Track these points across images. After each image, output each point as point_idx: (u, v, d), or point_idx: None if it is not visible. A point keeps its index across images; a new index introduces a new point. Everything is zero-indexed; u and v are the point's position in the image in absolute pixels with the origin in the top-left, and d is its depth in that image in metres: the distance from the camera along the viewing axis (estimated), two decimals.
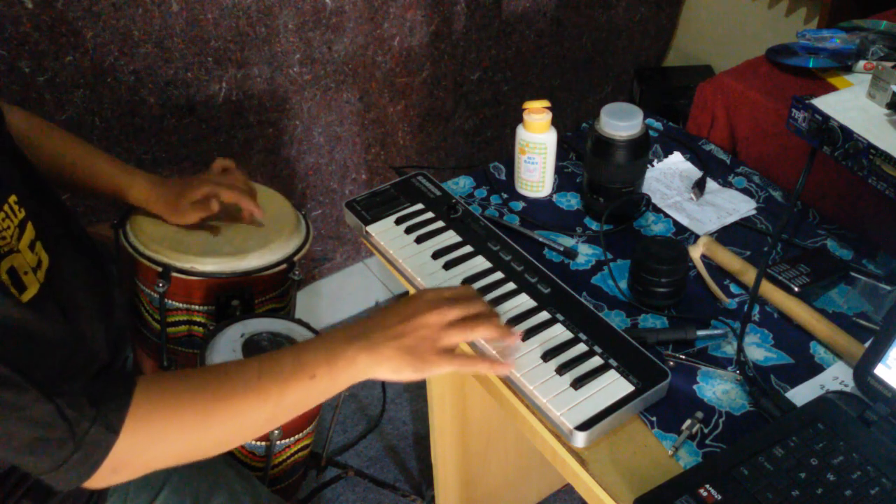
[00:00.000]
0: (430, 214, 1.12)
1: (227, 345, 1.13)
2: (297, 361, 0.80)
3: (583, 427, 0.82)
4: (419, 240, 1.08)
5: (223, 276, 1.19)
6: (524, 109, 1.14)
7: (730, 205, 1.16)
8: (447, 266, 1.03)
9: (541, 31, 2.30)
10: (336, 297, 2.24)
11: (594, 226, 1.14)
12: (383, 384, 1.94)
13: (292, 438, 1.18)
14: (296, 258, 1.25)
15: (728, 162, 1.26)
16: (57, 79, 1.57)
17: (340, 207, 2.14)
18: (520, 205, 1.19)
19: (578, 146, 1.28)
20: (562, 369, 0.87)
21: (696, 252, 1.06)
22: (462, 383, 1.35)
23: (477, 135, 2.37)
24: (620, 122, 1.07)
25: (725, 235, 1.11)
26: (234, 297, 1.21)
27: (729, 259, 1.04)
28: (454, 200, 1.14)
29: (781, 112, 1.14)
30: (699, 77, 2.05)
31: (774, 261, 1.05)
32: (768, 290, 0.99)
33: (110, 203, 1.21)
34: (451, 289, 0.89)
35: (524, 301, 0.97)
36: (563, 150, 1.28)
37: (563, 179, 1.24)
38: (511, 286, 0.99)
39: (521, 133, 1.16)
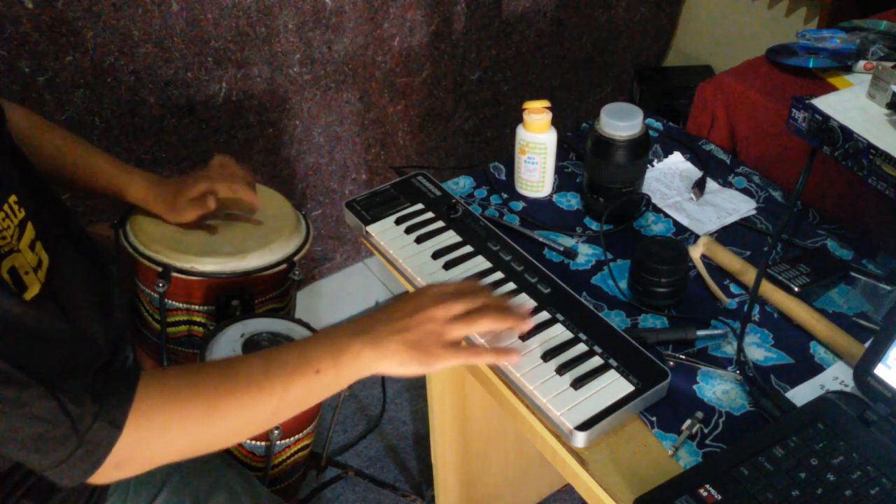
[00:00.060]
0: (430, 214, 1.12)
1: (227, 345, 1.13)
2: (301, 356, 0.80)
3: (583, 427, 0.82)
4: (419, 240, 1.08)
5: (223, 276, 1.19)
6: (524, 109, 1.14)
7: (730, 205, 1.16)
8: (447, 266, 1.03)
9: (541, 31, 2.30)
10: (336, 297, 2.24)
11: (594, 226, 1.14)
12: (383, 384, 1.94)
13: (292, 438, 1.18)
14: (296, 258, 1.25)
15: (728, 162, 1.26)
16: (57, 79, 1.57)
17: (340, 207, 2.14)
18: (520, 205, 1.19)
19: (578, 146, 1.28)
20: (562, 369, 0.87)
21: (696, 252, 1.06)
22: (462, 383, 1.35)
23: (477, 135, 2.37)
24: (620, 122, 1.07)
25: (725, 235, 1.11)
26: (234, 297, 1.21)
27: (729, 259, 1.04)
28: (454, 200, 1.14)
29: (781, 112, 1.14)
30: (699, 77, 2.05)
31: (774, 261, 1.05)
32: (768, 290, 0.99)
33: (110, 202, 1.21)
34: (456, 283, 0.89)
35: (524, 301, 0.97)
36: (563, 150, 1.28)
37: (563, 179, 1.24)
38: (511, 286, 0.99)
39: (521, 133, 1.16)
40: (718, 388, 0.90)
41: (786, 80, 1.39)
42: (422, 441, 1.89)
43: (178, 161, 1.81)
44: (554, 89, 2.47)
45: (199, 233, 1.22)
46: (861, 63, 1.34)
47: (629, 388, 0.85)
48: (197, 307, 1.22)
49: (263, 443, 1.14)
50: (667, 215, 1.16)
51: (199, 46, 1.70)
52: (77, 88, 1.60)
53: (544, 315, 0.95)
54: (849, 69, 1.35)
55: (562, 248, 1.09)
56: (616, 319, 0.99)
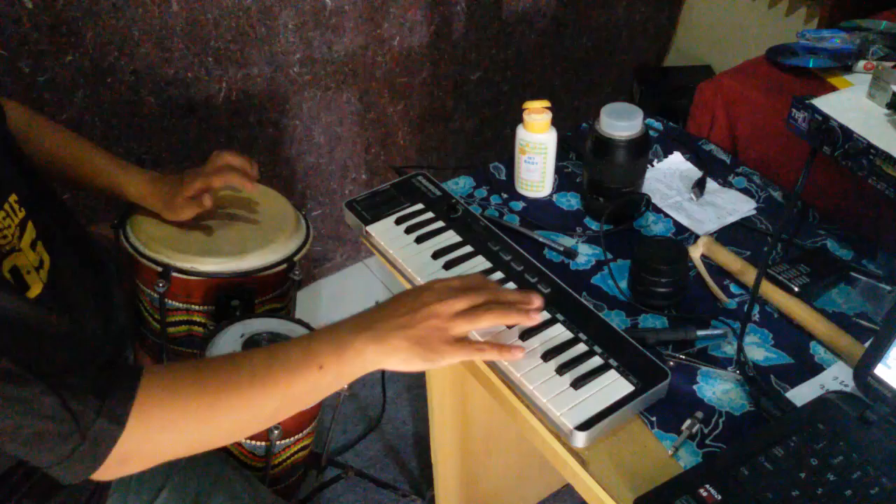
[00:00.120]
0: (430, 214, 1.12)
1: (227, 345, 1.13)
2: (304, 352, 0.80)
3: (583, 427, 0.82)
4: (419, 240, 1.08)
5: (223, 276, 1.19)
6: (524, 109, 1.14)
7: (730, 205, 1.16)
8: (447, 266, 1.03)
9: (541, 31, 2.30)
10: (336, 297, 2.24)
11: (594, 226, 1.14)
12: (383, 384, 1.94)
13: (292, 438, 1.18)
14: (296, 258, 1.25)
15: (728, 162, 1.26)
16: (57, 79, 1.57)
17: (340, 207, 2.14)
18: (520, 205, 1.19)
19: (578, 146, 1.28)
20: (562, 369, 0.87)
21: (696, 252, 1.06)
22: (462, 383, 1.35)
23: (477, 135, 2.37)
24: (620, 122, 1.07)
25: (725, 235, 1.11)
26: (234, 297, 1.21)
27: (729, 259, 1.04)
28: (454, 200, 1.14)
29: (781, 112, 1.14)
30: (699, 77, 2.05)
31: (774, 261, 1.05)
32: (768, 290, 0.99)
33: (109, 201, 1.21)
34: (460, 278, 0.89)
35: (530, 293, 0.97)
36: (563, 150, 1.27)
37: (563, 179, 1.24)
38: (511, 286, 0.99)
39: (521, 133, 1.16)
40: (718, 388, 0.90)
41: (786, 80, 1.39)
42: (422, 441, 1.89)
43: (178, 161, 1.81)
44: (554, 89, 2.47)
45: (199, 233, 1.22)
46: (861, 63, 1.34)
47: (629, 388, 0.85)
48: (197, 307, 1.22)
49: (263, 443, 1.14)
50: (667, 215, 1.16)
51: (199, 46, 1.70)
52: (77, 88, 1.60)
53: (544, 315, 0.94)
54: (849, 69, 1.35)
55: (562, 248, 1.09)
56: (616, 319, 0.99)
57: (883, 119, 0.99)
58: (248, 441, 1.15)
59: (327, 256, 2.27)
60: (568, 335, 0.92)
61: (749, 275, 1.01)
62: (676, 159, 1.26)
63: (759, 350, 0.94)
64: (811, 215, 1.15)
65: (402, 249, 1.07)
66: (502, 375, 0.91)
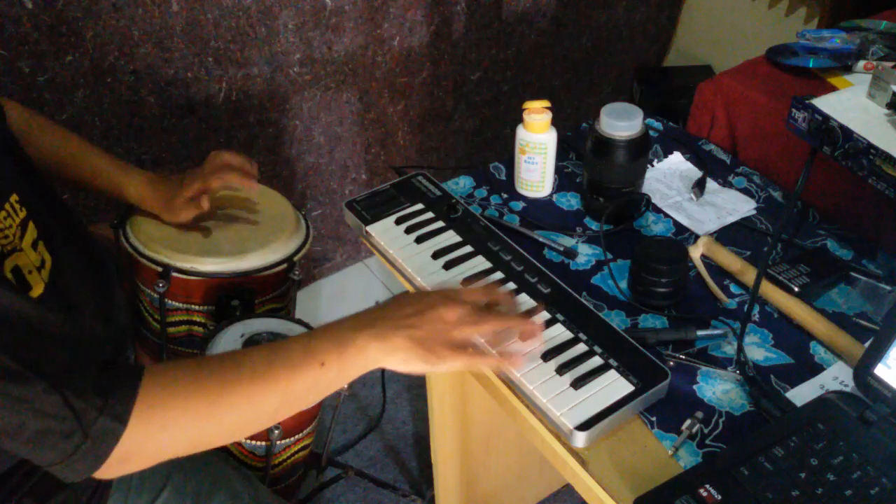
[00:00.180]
0: (430, 214, 1.12)
1: (227, 345, 1.13)
2: (306, 349, 0.80)
3: (583, 427, 0.82)
4: (419, 240, 1.08)
5: (223, 276, 1.19)
6: (524, 109, 1.14)
7: (730, 205, 1.16)
8: (447, 266, 1.03)
9: (541, 31, 2.30)
10: (336, 297, 2.25)
11: (594, 226, 1.14)
12: (383, 384, 1.94)
13: (292, 438, 1.18)
14: (296, 258, 1.25)
15: (728, 162, 1.26)
16: (57, 79, 1.57)
17: (340, 207, 2.14)
18: (520, 205, 1.19)
19: (578, 146, 1.28)
20: (562, 369, 0.87)
21: (696, 252, 1.06)
22: (462, 383, 1.35)
23: (477, 135, 2.37)
24: (620, 122, 1.07)
25: (725, 235, 1.11)
26: (234, 297, 1.21)
27: (729, 259, 1.04)
28: (454, 200, 1.14)
29: (781, 112, 1.14)
30: (699, 77, 2.05)
31: (774, 261, 1.05)
32: (768, 290, 0.99)
33: (109, 201, 1.21)
34: (469, 288, 0.88)
35: (524, 301, 0.97)
36: (563, 150, 1.28)
37: (563, 179, 1.24)
38: (511, 286, 0.99)
39: (521, 133, 1.16)
40: (718, 388, 0.90)
41: (786, 80, 1.39)
42: (422, 441, 1.89)
43: (178, 161, 1.81)
44: (554, 89, 2.47)
45: (199, 233, 1.22)
46: (861, 63, 1.34)
47: (629, 388, 0.85)
48: (197, 307, 1.22)
49: (263, 443, 1.14)
50: (667, 215, 1.16)
51: (199, 46, 1.70)
52: (77, 88, 1.60)
53: (544, 315, 0.95)
54: (849, 69, 1.35)
55: (562, 248, 1.09)
56: (616, 319, 0.99)
57: (883, 119, 0.99)
58: (249, 441, 1.15)
59: (327, 256, 2.27)
60: (568, 335, 0.92)
61: (749, 275, 1.01)
62: (676, 159, 1.26)
63: (759, 350, 0.94)
64: (811, 215, 1.15)
65: (402, 249, 1.07)
66: (502, 375, 0.91)
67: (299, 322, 1.22)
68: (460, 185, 1.23)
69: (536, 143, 1.15)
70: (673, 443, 0.83)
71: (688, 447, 0.83)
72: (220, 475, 1.07)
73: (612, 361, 0.88)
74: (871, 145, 0.93)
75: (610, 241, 1.11)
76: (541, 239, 1.11)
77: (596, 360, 0.88)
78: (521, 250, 1.04)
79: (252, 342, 1.14)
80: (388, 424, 1.94)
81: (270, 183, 1.92)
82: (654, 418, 0.86)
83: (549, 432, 0.86)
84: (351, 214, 1.15)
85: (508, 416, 0.95)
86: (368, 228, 1.11)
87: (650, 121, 1.34)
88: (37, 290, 0.81)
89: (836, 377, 0.90)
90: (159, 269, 1.17)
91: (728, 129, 1.42)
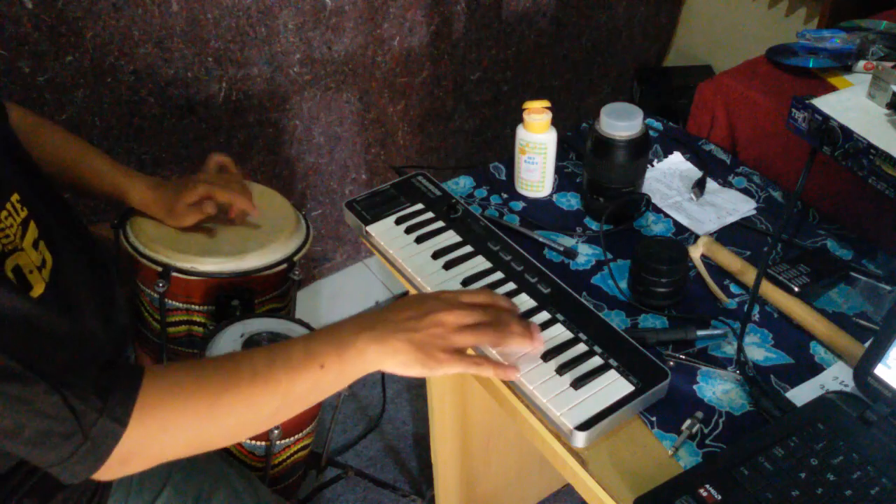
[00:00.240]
0: (430, 214, 1.12)
1: (227, 345, 1.13)
2: (306, 351, 0.80)
3: (583, 427, 0.82)
4: (419, 240, 1.08)
5: (223, 276, 1.19)
6: (524, 109, 1.14)
7: (730, 205, 1.16)
8: (447, 266, 1.03)
9: (541, 31, 2.30)
10: (336, 297, 2.25)
11: (594, 226, 1.14)
12: (383, 384, 1.94)
13: (292, 438, 1.18)
14: (296, 258, 1.25)
15: (728, 162, 1.26)
16: (57, 79, 1.57)
17: (340, 207, 2.15)
18: (520, 205, 1.19)
19: (578, 146, 1.28)
20: (562, 369, 0.87)
21: (696, 252, 1.06)
22: (462, 383, 1.35)
23: (477, 135, 2.37)
24: (620, 122, 1.07)
25: (725, 235, 1.11)
26: (234, 297, 1.21)
27: (729, 259, 1.04)
28: (454, 200, 1.14)
29: (781, 112, 1.14)
30: (699, 77, 2.05)
31: (774, 261, 1.05)
32: (768, 290, 0.99)
33: (109, 204, 1.21)
34: (470, 292, 0.89)
35: (524, 301, 0.97)
36: (563, 150, 1.28)
37: (563, 179, 1.24)
38: (511, 286, 0.99)
39: (521, 133, 1.16)
40: (718, 388, 0.90)
41: (786, 80, 1.39)
42: (422, 441, 1.89)
43: (178, 161, 1.81)
44: (554, 89, 2.47)
45: (199, 233, 1.22)
46: (861, 63, 1.34)
47: (629, 388, 0.85)
48: (197, 307, 1.22)
49: (263, 443, 1.14)
50: (667, 215, 1.16)
51: (199, 46, 1.70)
52: (77, 88, 1.60)
53: (544, 315, 0.95)
54: (849, 69, 1.35)
55: (562, 248, 1.09)
56: (616, 319, 0.99)
57: (883, 119, 0.99)
58: (248, 441, 1.15)
59: (327, 256, 2.27)
60: (568, 335, 0.92)
61: (749, 275, 1.01)
62: (676, 159, 1.26)
63: (759, 350, 0.94)
64: (811, 215, 1.15)
65: (402, 249, 1.07)
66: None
67: (299, 322, 1.22)
68: (460, 185, 1.23)
69: (536, 143, 1.15)
70: (673, 443, 0.83)
71: (688, 447, 0.83)
72: (220, 475, 1.07)
73: (612, 361, 0.88)
74: (871, 145, 0.93)
75: (610, 241, 1.11)
76: (541, 239, 1.11)
77: (596, 360, 0.88)
78: (521, 250, 1.04)
79: (252, 342, 1.14)
80: (388, 424, 1.94)
81: (270, 183, 1.92)
82: (654, 418, 0.86)
83: (549, 432, 0.86)
84: (351, 214, 1.15)
85: (508, 416, 0.95)
86: (368, 228, 1.11)
87: (650, 121, 1.34)
88: (37, 290, 0.81)
89: (836, 377, 0.90)
90: (159, 268, 1.17)
91: (728, 129, 1.43)
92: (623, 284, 1.03)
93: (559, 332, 0.92)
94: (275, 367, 0.79)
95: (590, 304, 0.97)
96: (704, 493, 0.75)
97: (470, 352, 0.92)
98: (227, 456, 1.15)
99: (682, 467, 0.81)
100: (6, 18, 1.46)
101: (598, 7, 2.38)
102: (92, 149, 1.18)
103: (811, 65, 1.37)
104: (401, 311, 0.83)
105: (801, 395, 0.88)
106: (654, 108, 1.42)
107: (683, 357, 0.93)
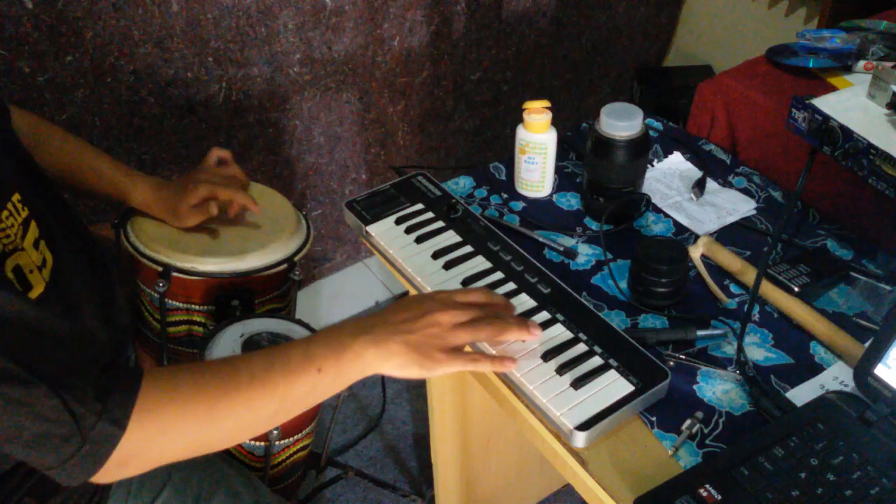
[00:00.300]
0: (430, 214, 1.12)
1: (227, 345, 1.13)
2: (304, 355, 0.80)
3: (583, 427, 0.82)
4: (419, 240, 1.08)
5: (223, 276, 1.19)
6: (524, 109, 1.14)
7: (730, 205, 1.16)
8: (447, 266, 1.03)
9: (541, 31, 2.30)
10: (336, 297, 2.24)
11: (594, 226, 1.14)
12: (383, 384, 1.94)
13: (292, 438, 1.18)
14: (296, 258, 1.25)
15: (728, 162, 1.26)
16: (57, 79, 1.57)
17: (340, 207, 2.15)
18: (520, 205, 1.19)
19: (578, 146, 1.28)
20: (562, 369, 0.87)
21: (696, 252, 1.06)
22: (462, 383, 1.35)
23: (477, 135, 2.37)
24: (620, 122, 1.07)
25: (725, 235, 1.11)
26: (234, 297, 1.21)
27: (729, 259, 1.04)
28: (454, 200, 1.14)
29: (781, 112, 1.14)
30: (699, 77, 2.05)
31: (774, 261, 1.05)
32: (768, 290, 0.99)
33: (110, 204, 1.21)
34: (465, 291, 0.89)
35: (524, 301, 0.97)
36: (563, 150, 1.28)
37: (563, 179, 1.24)
38: (511, 286, 0.99)
39: (521, 133, 1.16)
40: (718, 388, 0.90)
41: (786, 80, 1.39)
42: (422, 441, 1.89)
43: (178, 161, 1.81)
44: (554, 89, 2.47)
45: (199, 233, 1.22)
46: (861, 63, 1.34)
47: (629, 388, 0.85)
48: (197, 307, 1.22)
49: (263, 443, 1.14)
50: (667, 215, 1.16)
51: (199, 46, 1.70)
52: (77, 88, 1.60)
53: (544, 315, 0.95)
54: (849, 69, 1.35)
55: (562, 248, 1.09)
56: (616, 319, 0.99)
57: (883, 119, 0.99)
58: (248, 441, 1.15)
59: (327, 256, 2.27)
60: (568, 335, 0.92)
61: (749, 275, 1.01)
62: (676, 159, 1.26)
63: (759, 350, 0.94)
64: (811, 215, 1.15)
65: (402, 249, 1.07)
66: (502, 376, 0.91)
67: (299, 322, 1.22)
68: (460, 185, 1.23)
69: (536, 143, 1.15)
70: (673, 443, 0.83)
71: (688, 447, 0.83)
72: (220, 475, 1.07)
73: (612, 361, 0.88)
74: (871, 145, 0.93)
75: (610, 241, 1.11)
76: (541, 239, 1.11)
77: (596, 360, 0.88)
78: (521, 250, 1.04)
79: (252, 342, 1.14)
80: (388, 424, 1.94)
81: (270, 183, 1.92)
82: (654, 418, 0.86)
83: (549, 432, 0.86)
84: (351, 214, 1.15)
85: (508, 416, 0.95)
86: (368, 228, 1.11)
87: (650, 121, 1.34)
88: (37, 290, 0.81)
89: (836, 377, 0.90)
90: (159, 268, 1.17)
91: (728, 129, 1.42)
92: (623, 284, 1.03)
93: (559, 332, 0.92)
94: (273, 371, 0.79)
95: (590, 304, 0.97)
96: (704, 493, 0.75)
97: (469, 350, 0.93)
98: (227, 456, 1.15)
99: (682, 467, 0.81)
100: (6, 18, 1.46)
101: (598, 7, 2.38)
102: (92, 149, 1.18)
103: (811, 65, 1.37)
104: (397, 313, 0.84)
105: (801, 395, 0.88)
106: (654, 108, 1.42)
107: (683, 357, 0.93)
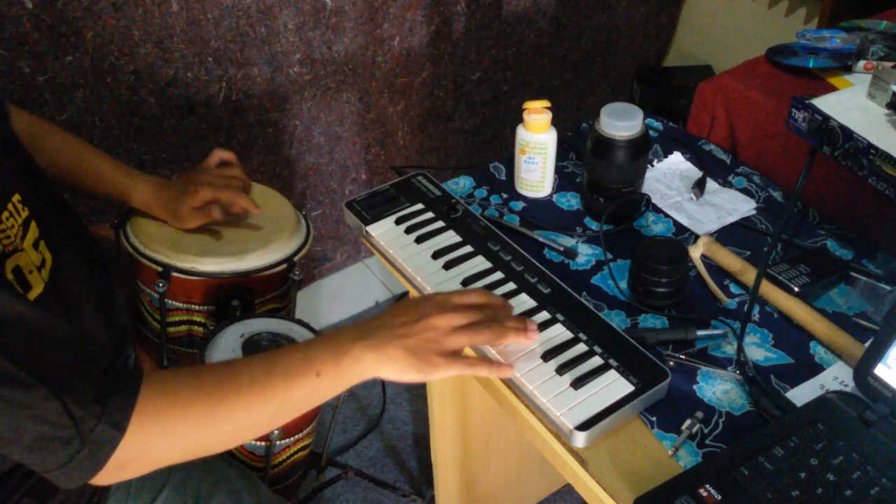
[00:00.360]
0: (430, 214, 1.12)
1: (227, 345, 1.13)
2: (303, 359, 0.81)
3: (583, 427, 0.82)
4: (419, 240, 1.08)
5: (223, 276, 1.19)
6: (524, 109, 1.14)
7: (730, 205, 1.16)
8: (447, 266, 1.03)
9: (541, 31, 2.30)
10: (336, 297, 2.24)
11: (594, 226, 1.14)
12: (383, 384, 1.94)
13: (292, 438, 1.18)
14: (296, 258, 1.25)
15: (728, 162, 1.26)
16: (57, 79, 1.57)
17: (340, 207, 2.15)
18: (520, 205, 1.19)
19: (578, 146, 1.28)
20: (562, 369, 0.87)
21: (696, 252, 1.06)
22: (462, 383, 1.35)
23: (477, 135, 2.37)
24: (620, 122, 1.07)
25: (725, 235, 1.11)
26: (234, 297, 1.21)
27: (729, 259, 1.04)
28: (454, 200, 1.14)
29: (781, 112, 1.14)
30: (699, 77, 2.05)
31: (774, 261, 1.05)
32: (768, 290, 0.99)
33: (111, 205, 1.21)
34: (463, 292, 0.89)
35: (524, 301, 0.97)
36: (563, 150, 1.28)
37: (563, 179, 1.24)
38: (511, 286, 0.99)
39: (521, 133, 1.16)
40: (718, 388, 0.90)
41: (786, 80, 1.39)
42: (422, 441, 1.89)
43: (178, 161, 1.81)
44: (554, 89, 2.47)
45: (199, 233, 1.22)
46: (861, 63, 1.34)
47: (629, 388, 0.85)
48: (197, 307, 1.22)
49: (263, 443, 1.14)
50: (667, 215, 1.16)
51: (199, 46, 1.70)
52: (77, 88, 1.60)
53: (544, 315, 0.95)
54: (849, 69, 1.35)
55: (562, 248, 1.09)
56: (616, 319, 0.99)
57: (883, 119, 0.99)
58: (249, 441, 1.15)
59: (327, 256, 2.27)
60: (568, 335, 0.92)
61: (749, 275, 1.01)
62: (676, 159, 1.26)
63: (759, 350, 0.94)
64: (811, 215, 1.15)
65: (402, 249, 1.07)
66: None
67: (299, 322, 1.22)
68: (460, 185, 1.23)
69: (536, 143, 1.15)
70: (673, 443, 0.83)
71: (688, 447, 0.83)
72: (220, 475, 1.07)
73: (612, 361, 0.88)
74: (871, 145, 0.93)
75: (610, 241, 1.11)
76: (541, 239, 1.11)
77: (596, 360, 0.88)
78: (521, 250, 1.04)
79: (252, 342, 1.14)
80: (388, 424, 1.94)
81: (270, 183, 1.92)
82: (654, 418, 0.86)
83: (549, 432, 0.86)
84: (351, 214, 1.15)
85: (508, 416, 0.95)
86: (368, 228, 1.11)
87: (650, 121, 1.34)
88: (36, 290, 0.81)
89: (836, 377, 0.90)
90: (159, 268, 1.17)
91: (728, 129, 1.42)
92: (623, 284, 1.03)
93: (559, 332, 0.92)
94: (272, 375, 0.79)
95: (590, 304, 0.97)
96: (704, 493, 0.75)
97: (469, 352, 0.93)
98: (228, 456, 1.15)
99: (682, 467, 0.81)
100: (6, 18, 1.46)
101: (598, 7, 2.38)
102: (93, 149, 1.18)
103: (811, 65, 1.37)
104: (396, 317, 0.84)
105: (801, 395, 0.88)
106: (654, 108, 1.42)
107: (683, 357, 0.93)
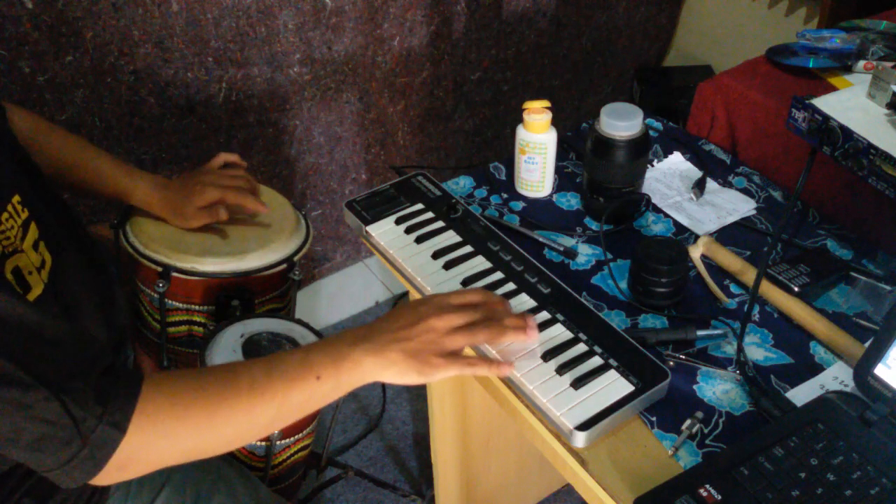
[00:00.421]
0: (430, 214, 1.12)
1: (227, 345, 1.13)
2: (303, 363, 0.81)
3: (583, 427, 0.82)
4: (419, 240, 1.08)
5: (223, 276, 1.19)
6: (524, 109, 1.14)
7: (730, 205, 1.16)
8: (447, 266, 1.03)
9: (541, 31, 2.30)
10: (336, 297, 2.24)
11: (594, 226, 1.14)
12: (383, 385, 1.94)
13: (292, 438, 1.18)
14: (296, 258, 1.25)
15: (728, 162, 1.26)
16: (57, 79, 1.57)
17: (340, 207, 2.15)
18: (520, 205, 1.19)
19: (578, 146, 1.28)
20: (562, 369, 0.87)
21: (696, 252, 1.06)
22: (462, 383, 1.35)
23: (477, 135, 2.37)
24: (620, 122, 1.07)
25: (725, 235, 1.11)
26: (234, 297, 1.21)
27: (729, 259, 1.04)
28: (454, 200, 1.14)
29: (781, 112, 1.14)
30: (699, 77, 2.05)
31: (774, 261, 1.05)
32: (768, 290, 0.99)
33: (112, 204, 1.21)
34: (461, 293, 0.89)
35: (524, 301, 0.97)
36: (563, 150, 1.28)
37: (563, 179, 1.24)
38: (511, 286, 0.99)
39: (521, 133, 1.16)
40: (718, 388, 0.90)
41: (786, 80, 1.39)
42: (422, 441, 1.89)
43: (178, 161, 1.81)
44: (554, 89, 2.47)
45: (199, 233, 1.22)
46: (861, 63, 1.34)
47: (629, 388, 0.85)
48: (197, 307, 1.22)
49: (263, 443, 1.14)
50: (667, 215, 1.16)
51: (199, 46, 1.70)
52: (77, 88, 1.60)
53: (544, 315, 0.95)
54: (849, 69, 1.35)
55: (562, 248, 1.09)
56: (616, 319, 0.99)
57: (883, 119, 0.99)
58: (254, 440, 1.15)
59: (327, 256, 2.27)
60: (568, 335, 0.92)
61: (749, 275, 1.01)
62: (676, 159, 1.26)
63: (759, 350, 0.94)
64: (811, 215, 1.15)
65: (402, 249, 1.07)
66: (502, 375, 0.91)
67: (299, 322, 1.22)
68: (460, 185, 1.23)
69: (536, 143, 1.15)
70: (673, 443, 0.83)
71: (688, 447, 0.83)
72: (220, 475, 1.07)
73: (612, 361, 0.88)
74: (871, 145, 0.93)
75: (610, 241, 1.11)
76: (541, 239, 1.11)
77: (596, 360, 0.88)
78: (521, 250, 1.04)
79: (252, 342, 1.14)
80: (388, 424, 1.94)
81: (270, 183, 1.92)
82: (654, 418, 0.86)
83: (549, 432, 0.86)
84: (351, 214, 1.15)
85: (508, 416, 0.95)
86: (368, 228, 1.11)
87: (650, 121, 1.34)
88: (36, 291, 0.81)
89: (836, 377, 0.90)
90: (159, 269, 1.17)
91: (728, 129, 1.42)
92: (623, 284, 1.03)
93: (559, 332, 0.92)
94: (272, 378, 0.79)
95: (590, 304, 0.97)
96: (704, 493, 0.75)
97: (469, 352, 0.93)
98: (228, 456, 1.15)
99: (682, 467, 0.81)
100: (6, 18, 1.46)
101: (598, 7, 2.38)
102: (93, 148, 1.18)
103: (811, 65, 1.37)
104: (394, 320, 0.84)
105: (801, 395, 0.88)
106: (654, 108, 1.42)
107: (683, 357, 0.93)
